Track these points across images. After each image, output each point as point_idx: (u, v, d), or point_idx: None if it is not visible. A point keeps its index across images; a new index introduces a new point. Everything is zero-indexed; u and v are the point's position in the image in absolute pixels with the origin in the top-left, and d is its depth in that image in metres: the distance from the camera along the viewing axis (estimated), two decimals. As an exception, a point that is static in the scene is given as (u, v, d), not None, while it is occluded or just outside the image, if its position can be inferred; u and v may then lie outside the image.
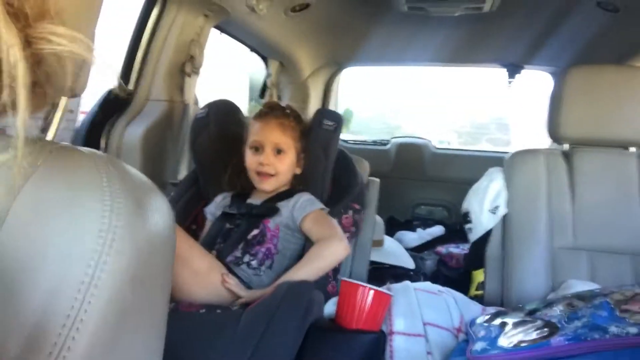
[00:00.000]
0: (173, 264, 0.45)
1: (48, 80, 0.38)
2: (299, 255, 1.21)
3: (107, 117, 1.49)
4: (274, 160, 1.25)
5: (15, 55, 0.31)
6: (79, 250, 0.35)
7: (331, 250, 1.15)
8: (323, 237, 1.17)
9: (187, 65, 1.62)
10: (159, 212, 0.41)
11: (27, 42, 0.34)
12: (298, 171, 1.33)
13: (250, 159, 1.27)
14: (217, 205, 1.33)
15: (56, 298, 0.34)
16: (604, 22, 1.74)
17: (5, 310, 0.33)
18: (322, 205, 1.26)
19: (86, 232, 0.35)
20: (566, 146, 1.41)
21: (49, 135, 0.60)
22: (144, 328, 0.41)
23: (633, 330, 0.75)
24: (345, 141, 2.82)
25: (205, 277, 1.05)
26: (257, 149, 1.27)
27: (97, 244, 0.35)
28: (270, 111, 1.31)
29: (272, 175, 1.26)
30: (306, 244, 1.24)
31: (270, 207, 1.25)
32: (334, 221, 1.24)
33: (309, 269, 1.10)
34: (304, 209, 1.24)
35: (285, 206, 1.25)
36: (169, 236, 0.42)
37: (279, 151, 1.26)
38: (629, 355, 0.72)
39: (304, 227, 1.22)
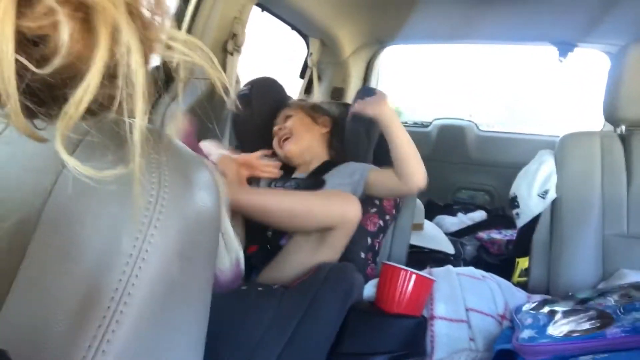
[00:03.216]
0: (218, 241, 0.45)
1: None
2: None
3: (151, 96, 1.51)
4: (284, 125, 1.36)
5: (137, 62, 0.29)
6: (126, 223, 0.35)
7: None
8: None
9: (229, 43, 1.61)
10: (207, 188, 0.40)
11: (147, 47, 0.31)
12: (324, 131, 1.39)
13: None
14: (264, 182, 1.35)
15: (104, 269, 0.34)
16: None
17: (60, 274, 0.33)
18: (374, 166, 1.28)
19: (133, 205, 0.35)
20: (623, 128, 1.33)
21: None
22: (190, 302, 0.41)
23: (698, 324, 0.70)
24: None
25: None
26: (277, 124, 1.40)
27: (144, 216, 0.35)
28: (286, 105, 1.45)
29: (287, 138, 1.34)
30: None
31: (316, 179, 1.25)
32: None
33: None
34: (365, 168, 1.26)
35: (331, 176, 1.26)
36: (215, 212, 0.41)
37: (286, 118, 1.38)
38: (692, 351, 0.67)
39: (374, 176, 1.24)
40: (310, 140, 1.36)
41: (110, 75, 0.31)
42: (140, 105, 0.31)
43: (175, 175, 0.37)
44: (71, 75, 0.28)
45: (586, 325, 0.79)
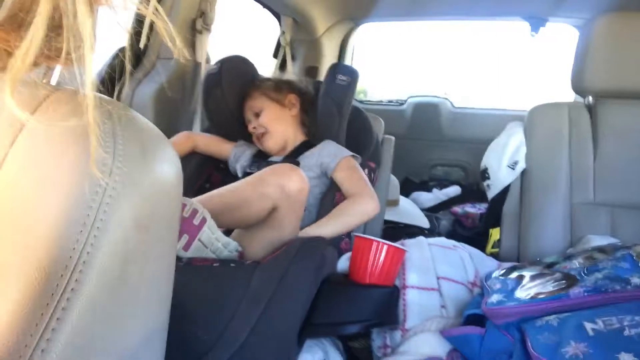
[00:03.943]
0: (180, 215, 0.44)
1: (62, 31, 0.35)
2: (319, 208, 1.21)
3: (118, 77, 1.47)
4: (256, 122, 1.34)
5: (83, 12, 0.28)
6: (78, 192, 0.34)
7: (362, 208, 1.14)
8: (354, 192, 1.17)
9: (197, 21, 1.58)
10: (167, 161, 0.39)
11: None
12: (294, 112, 1.38)
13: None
14: (239, 163, 1.34)
15: (58, 238, 0.33)
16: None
17: (15, 242, 0.33)
18: (350, 153, 1.27)
19: (86, 173, 0.34)
20: (590, 99, 1.36)
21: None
22: (151, 274, 0.40)
23: (656, 281, 0.73)
24: (361, 101, 2.77)
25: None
26: (249, 120, 1.37)
27: (97, 185, 0.34)
28: (252, 85, 1.41)
29: (263, 134, 1.33)
30: (325, 199, 1.23)
31: (291, 162, 1.24)
32: (364, 174, 1.25)
33: (338, 223, 1.10)
34: (335, 155, 1.25)
35: (307, 157, 1.26)
36: (175, 185, 0.41)
37: (257, 114, 1.36)
38: (650, 307, 0.70)
39: (337, 175, 1.23)
40: (285, 129, 1.36)
41: (56, 26, 0.30)
42: (89, 56, 0.30)
43: (131, 145, 0.37)
44: (15, 27, 0.27)
45: (551, 287, 0.81)
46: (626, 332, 0.64)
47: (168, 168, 0.39)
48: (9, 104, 0.30)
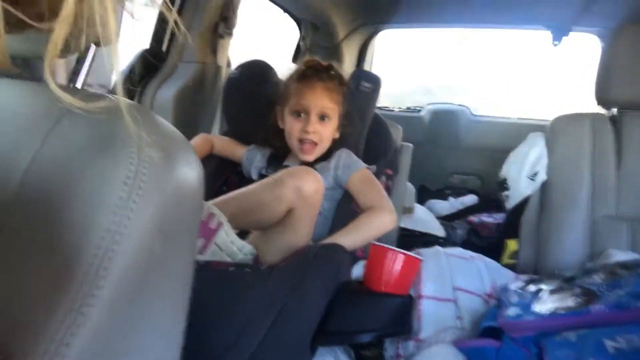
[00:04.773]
0: (200, 219, 0.44)
1: (90, 20, 0.36)
2: (334, 212, 1.20)
3: (140, 78, 1.49)
4: (319, 127, 1.20)
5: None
6: (103, 197, 0.34)
7: (381, 221, 1.11)
8: (372, 204, 1.14)
9: (220, 26, 1.60)
10: (188, 165, 0.40)
11: None
12: (337, 135, 1.27)
13: (293, 125, 1.22)
14: (254, 166, 1.33)
15: (81, 243, 0.33)
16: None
17: (39, 246, 0.33)
18: (364, 165, 1.24)
19: (112, 179, 0.35)
20: (614, 110, 1.34)
21: (78, 85, 0.59)
22: (171, 280, 0.40)
23: (680, 300, 0.71)
24: (379, 108, 2.76)
25: None
26: (300, 114, 1.21)
27: (122, 191, 0.35)
28: (315, 73, 1.23)
29: (315, 144, 1.21)
30: (340, 203, 1.22)
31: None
32: (381, 186, 1.22)
33: (356, 236, 1.07)
34: (349, 167, 1.22)
35: (324, 167, 1.23)
36: (197, 190, 0.41)
37: (322, 117, 1.21)
38: (673, 326, 0.68)
39: (351, 187, 1.20)
40: (328, 146, 1.25)
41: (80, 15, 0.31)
42: (115, 43, 0.31)
43: (155, 150, 0.37)
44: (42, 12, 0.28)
45: (571, 303, 0.80)
46: (649, 351, 0.63)
47: (190, 172, 0.39)
48: (52, 87, 0.31)
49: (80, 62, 0.56)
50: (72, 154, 0.34)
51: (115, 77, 0.33)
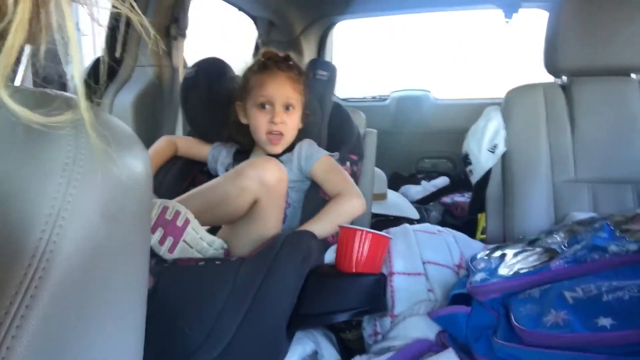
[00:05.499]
0: (150, 212, 0.44)
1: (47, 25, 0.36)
2: (303, 202, 1.21)
3: (95, 88, 1.47)
4: (285, 117, 1.19)
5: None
6: (42, 184, 0.34)
7: (350, 205, 1.11)
8: (339, 191, 1.15)
9: (172, 28, 1.59)
10: (134, 155, 0.40)
11: None
12: (300, 126, 1.28)
13: (260, 118, 1.20)
14: (220, 163, 1.32)
15: (26, 228, 0.33)
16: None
17: None
18: (326, 152, 1.25)
19: (50, 166, 0.35)
20: (565, 78, 1.38)
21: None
22: (123, 268, 0.40)
23: (633, 247, 0.74)
24: (345, 99, 2.78)
25: None
26: (265, 105, 1.20)
27: (61, 177, 0.35)
28: (275, 64, 1.22)
29: (282, 135, 1.20)
30: (309, 193, 1.23)
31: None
32: (345, 172, 1.23)
33: (326, 223, 1.07)
34: (311, 157, 1.21)
35: (289, 159, 1.23)
36: (145, 181, 0.41)
37: (287, 107, 1.20)
38: (629, 272, 0.71)
39: (316, 176, 1.20)
40: (294, 137, 1.26)
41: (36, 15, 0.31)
42: (73, 41, 0.31)
43: (99, 139, 0.37)
44: None
45: (533, 262, 0.82)
46: (604, 298, 0.65)
47: (137, 164, 0.40)
48: (5, 100, 0.31)
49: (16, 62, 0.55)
50: (11, 143, 0.34)
51: (77, 84, 0.33)
